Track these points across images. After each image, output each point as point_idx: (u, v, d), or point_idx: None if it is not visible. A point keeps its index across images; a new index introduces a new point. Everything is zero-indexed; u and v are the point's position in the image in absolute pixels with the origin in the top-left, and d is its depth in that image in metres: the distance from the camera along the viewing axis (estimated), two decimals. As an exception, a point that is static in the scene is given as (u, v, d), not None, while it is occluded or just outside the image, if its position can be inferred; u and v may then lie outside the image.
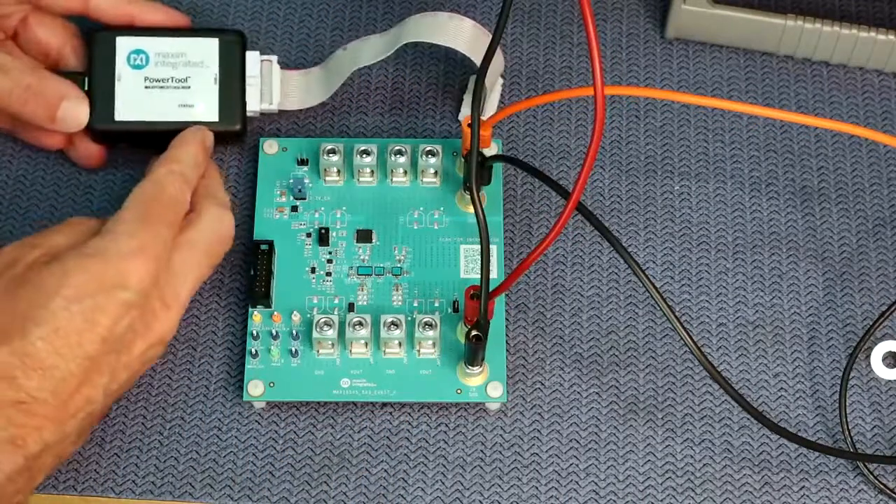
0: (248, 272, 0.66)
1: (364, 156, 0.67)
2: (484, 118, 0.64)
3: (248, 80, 0.68)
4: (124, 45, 0.67)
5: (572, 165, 0.70)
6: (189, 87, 0.67)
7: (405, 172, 0.68)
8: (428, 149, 0.68)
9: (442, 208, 0.68)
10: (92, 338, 0.57)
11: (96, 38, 0.68)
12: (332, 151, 0.68)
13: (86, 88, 0.67)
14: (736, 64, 0.73)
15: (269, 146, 0.69)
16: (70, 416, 0.58)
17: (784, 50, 0.73)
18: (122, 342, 0.59)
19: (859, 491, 0.63)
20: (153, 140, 0.66)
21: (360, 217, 0.67)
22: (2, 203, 0.69)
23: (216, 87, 0.67)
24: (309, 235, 0.67)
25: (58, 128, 0.66)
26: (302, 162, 0.69)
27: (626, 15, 0.75)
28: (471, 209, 0.67)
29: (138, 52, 0.67)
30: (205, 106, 0.67)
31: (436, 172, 0.68)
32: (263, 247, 0.66)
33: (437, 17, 0.67)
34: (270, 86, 0.69)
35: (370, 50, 0.68)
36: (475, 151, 0.61)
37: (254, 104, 0.69)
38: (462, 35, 0.67)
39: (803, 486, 0.63)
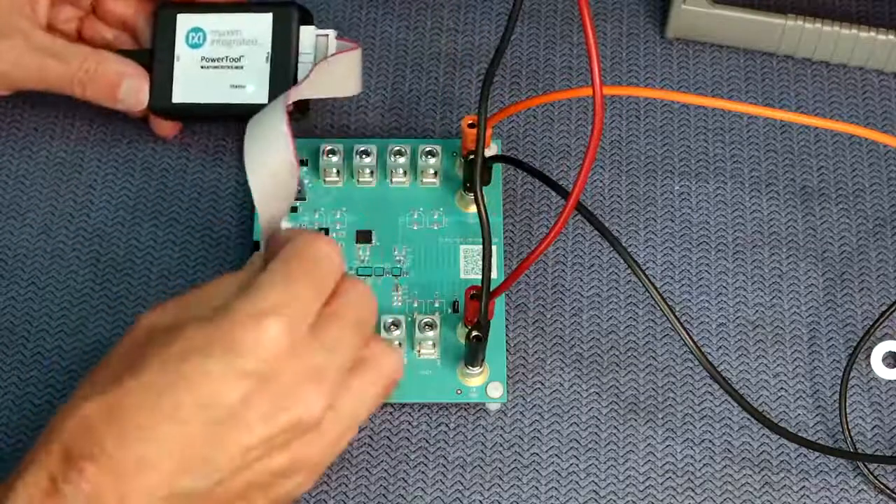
0: (248, 272, 0.66)
1: (363, 156, 0.67)
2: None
3: (300, 58, 0.66)
4: (184, 23, 0.67)
5: (572, 165, 0.70)
6: (242, 67, 0.66)
7: (405, 173, 0.68)
8: (427, 149, 0.68)
9: (442, 209, 0.68)
10: (189, 400, 0.51)
11: (159, 14, 0.67)
12: (332, 152, 0.68)
13: (151, 66, 0.67)
14: (736, 64, 0.73)
15: (269, 147, 0.69)
16: None
17: (784, 50, 0.73)
18: (233, 418, 0.52)
19: (859, 491, 0.63)
20: (208, 118, 0.67)
21: (359, 217, 0.67)
22: (2, 203, 0.69)
23: (267, 67, 0.66)
24: (309, 236, 0.67)
25: (121, 108, 0.67)
26: (301, 162, 0.69)
27: (626, 15, 0.75)
28: (470, 209, 0.67)
29: (196, 30, 0.67)
30: (255, 87, 0.66)
31: (435, 173, 0.68)
32: (263, 247, 0.66)
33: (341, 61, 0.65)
34: None
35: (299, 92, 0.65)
36: (480, 152, 0.61)
37: None
38: (336, 75, 0.65)
39: (803, 486, 0.63)
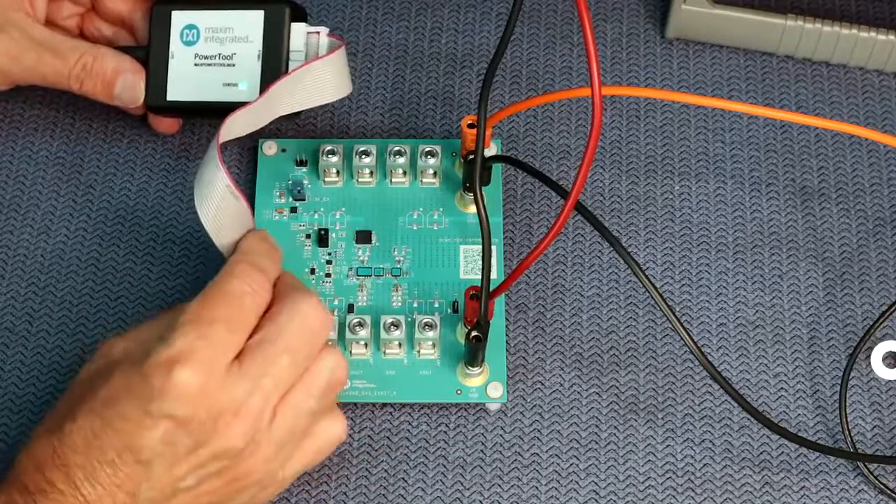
0: (247, 272, 0.66)
1: (363, 156, 0.67)
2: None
3: (291, 56, 0.66)
4: (178, 20, 0.67)
5: (572, 165, 0.70)
6: (234, 65, 0.66)
7: (404, 173, 0.68)
8: (427, 149, 0.68)
9: (441, 209, 0.68)
10: (113, 442, 0.54)
11: (154, 11, 0.67)
12: (332, 152, 0.68)
13: (146, 63, 0.67)
14: (736, 64, 0.73)
15: (268, 147, 0.69)
16: None
17: (784, 50, 0.73)
18: (159, 457, 0.54)
19: (859, 491, 0.63)
20: (202, 115, 0.67)
21: (359, 218, 0.67)
22: (2, 203, 0.69)
23: (258, 65, 0.66)
24: (308, 237, 0.67)
25: (117, 103, 0.67)
26: (301, 163, 0.69)
27: (626, 15, 0.75)
28: (470, 209, 0.67)
29: (190, 27, 0.67)
30: (248, 85, 0.66)
31: (435, 173, 0.68)
32: (263, 247, 0.66)
33: (295, 80, 0.64)
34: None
35: (243, 122, 0.65)
36: (480, 152, 0.61)
37: None
38: (323, 80, 0.65)
39: (803, 486, 0.63)
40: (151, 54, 0.67)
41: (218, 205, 0.59)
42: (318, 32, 0.65)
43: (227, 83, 0.66)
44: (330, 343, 0.62)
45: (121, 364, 0.56)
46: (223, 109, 0.64)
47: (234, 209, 0.60)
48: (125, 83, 0.67)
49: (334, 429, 0.59)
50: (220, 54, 0.66)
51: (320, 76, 0.64)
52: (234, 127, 0.62)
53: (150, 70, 0.67)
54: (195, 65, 0.67)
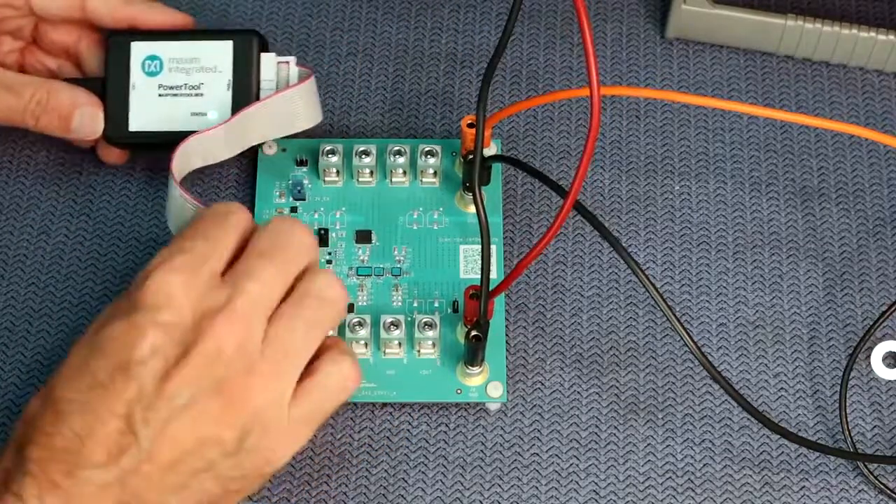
0: (247, 272, 0.66)
1: (363, 156, 0.67)
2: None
3: (262, 85, 0.66)
4: (139, 50, 0.67)
5: (572, 165, 0.70)
6: (202, 95, 0.66)
7: (404, 173, 0.68)
8: (427, 149, 0.68)
9: (441, 208, 0.68)
10: (103, 365, 0.53)
11: (111, 42, 0.67)
12: (332, 152, 0.68)
13: (104, 94, 0.66)
14: (736, 64, 0.73)
15: (268, 147, 0.69)
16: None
17: (784, 50, 0.73)
18: (150, 369, 0.53)
19: (859, 491, 0.63)
20: (167, 148, 0.66)
21: (359, 218, 0.67)
22: (2, 203, 0.69)
23: (229, 94, 0.66)
24: (309, 236, 0.67)
25: (74, 137, 0.67)
26: (301, 163, 0.69)
27: (626, 15, 0.75)
28: (470, 209, 0.67)
29: (153, 58, 0.66)
30: (218, 115, 0.66)
31: (435, 173, 0.68)
32: (263, 247, 0.66)
33: (269, 108, 0.65)
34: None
35: (216, 148, 0.66)
36: (479, 152, 0.61)
37: None
38: (297, 108, 0.66)
39: (803, 486, 0.63)
40: (109, 86, 0.67)
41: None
42: (287, 62, 0.66)
43: (196, 112, 0.66)
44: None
45: (105, 308, 0.56)
46: None
47: None
48: (83, 116, 0.66)
49: (341, 367, 0.57)
50: (186, 84, 0.66)
51: (295, 104, 0.66)
52: (191, 157, 0.63)
53: (109, 101, 0.66)
54: (159, 95, 0.66)
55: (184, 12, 0.68)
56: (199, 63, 0.66)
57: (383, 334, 0.63)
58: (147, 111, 0.66)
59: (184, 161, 0.64)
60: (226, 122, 0.65)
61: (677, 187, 0.70)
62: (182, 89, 0.66)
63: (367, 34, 0.74)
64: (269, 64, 0.66)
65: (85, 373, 0.53)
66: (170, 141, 0.65)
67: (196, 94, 0.66)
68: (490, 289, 0.60)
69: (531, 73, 0.73)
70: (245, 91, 0.66)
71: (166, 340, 0.53)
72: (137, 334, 0.53)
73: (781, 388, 0.65)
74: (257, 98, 0.66)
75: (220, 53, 0.66)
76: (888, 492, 0.63)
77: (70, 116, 0.66)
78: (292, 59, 0.67)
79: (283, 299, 0.56)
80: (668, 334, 0.66)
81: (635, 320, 0.67)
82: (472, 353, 0.62)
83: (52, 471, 0.52)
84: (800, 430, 0.64)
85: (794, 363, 0.66)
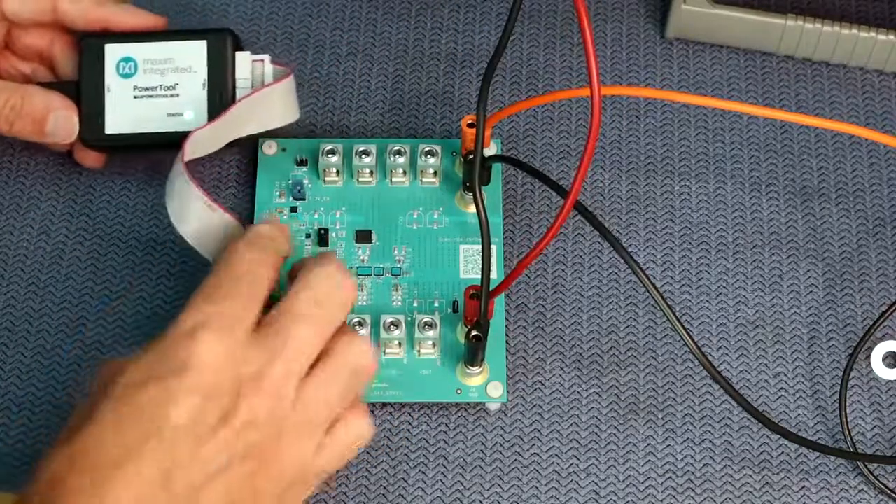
0: (247, 272, 0.66)
1: (363, 156, 0.67)
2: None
3: (238, 83, 0.66)
4: (113, 52, 0.66)
5: (572, 165, 0.70)
6: (178, 95, 0.66)
7: (404, 173, 0.68)
8: (427, 149, 0.68)
9: (441, 208, 0.68)
10: (144, 431, 0.51)
11: (84, 45, 0.67)
12: (332, 152, 0.68)
13: (78, 97, 0.66)
14: (736, 64, 0.73)
15: (268, 147, 0.69)
16: None
17: (784, 50, 0.73)
18: (188, 435, 0.52)
19: (859, 491, 0.63)
20: (144, 149, 0.66)
21: (359, 217, 0.67)
22: (2, 203, 0.69)
23: (205, 94, 0.66)
24: (308, 236, 0.67)
25: (49, 141, 0.66)
26: (301, 162, 0.69)
27: (626, 15, 0.75)
28: (470, 209, 0.67)
29: (127, 59, 0.66)
30: (194, 114, 0.66)
31: (435, 172, 0.68)
32: (263, 247, 0.66)
33: (255, 102, 0.65)
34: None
35: (207, 139, 0.65)
36: (479, 151, 0.61)
37: None
38: (282, 104, 0.66)
39: (803, 486, 0.63)
40: (84, 89, 0.66)
41: (199, 221, 0.60)
42: (262, 60, 0.66)
43: (172, 113, 0.66)
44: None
45: (128, 364, 0.54)
46: (168, 139, 0.64)
47: (217, 221, 0.60)
48: (57, 120, 0.65)
49: (359, 424, 0.58)
50: (161, 85, 0.66)
51: (278, 100, 0.66)
52: (199, 144, 0.63)
53: (84, 104, 0.66)
54: (135, 97, 0.66)
55: (157, 13, 0.68)
56: (174, 63, 0.66)
57: (383, 334, 0.63)
58: (123, 113, 0.66)
59: (192, 150, 0.63)
60: (227, 112, 0.64)
61: (677, 187, 0.70)
62: (157, 90, 0.66)
63: (367, 34, 0.74)
64: (245, 62, 0.66)
65: (116, 435, 0.52)
66: (146, 143, 0.66)
67: (172, 95, 0.66)
68: (490, 289, 0.60)
69: (531, 73, 0.73)
70: (221, 90, 0.66)
71: (206, 407, 0.53)
72: (173, 399, 0.52)
73: (781, 388, 0.65)
74: (233, 96, 0.66)
75: (194, 53, 0.66)
76: (888, 492, 0.63)
77: (44, 120, 0.65)
78: (267, 58, 0.67)
79: (318, 357, 0.56)
80: (668, 334, 0.66)
81: (635, 320, 0.67)
82: (472, 353, 0.62)
83: None
84: (800, 430, 0.64)
85: (794, 363, 0.66)
